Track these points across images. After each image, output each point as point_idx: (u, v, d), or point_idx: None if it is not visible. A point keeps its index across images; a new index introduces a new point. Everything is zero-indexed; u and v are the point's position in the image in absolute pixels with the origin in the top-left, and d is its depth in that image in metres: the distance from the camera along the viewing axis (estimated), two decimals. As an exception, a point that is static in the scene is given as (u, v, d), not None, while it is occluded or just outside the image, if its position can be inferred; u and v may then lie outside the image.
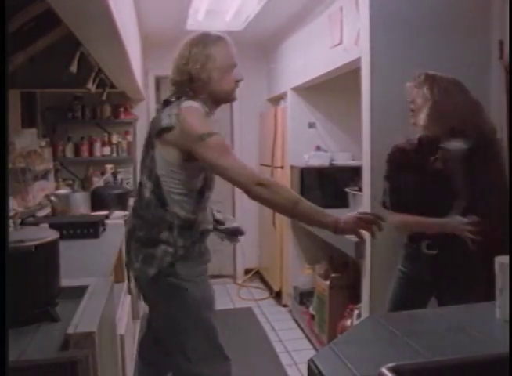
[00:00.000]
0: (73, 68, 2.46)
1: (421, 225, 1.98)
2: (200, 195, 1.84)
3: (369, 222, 1.69)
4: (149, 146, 1.82)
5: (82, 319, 1.26)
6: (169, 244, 1.78)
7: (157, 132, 1.77)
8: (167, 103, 1.86)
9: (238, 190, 5.43)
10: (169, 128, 1.73)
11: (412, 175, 1.99)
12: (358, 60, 2.52)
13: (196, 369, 1.83)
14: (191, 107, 1.76)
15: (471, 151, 1.86)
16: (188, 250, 1.81)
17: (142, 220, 1.83)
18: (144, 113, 4.83)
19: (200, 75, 1.80)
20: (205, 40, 1.84)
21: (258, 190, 1.66)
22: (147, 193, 1.80)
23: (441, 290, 2.00)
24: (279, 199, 1.68)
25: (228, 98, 1.92)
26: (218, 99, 1.89)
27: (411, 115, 1.99)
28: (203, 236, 1.90)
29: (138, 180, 1.98)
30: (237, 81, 1.90)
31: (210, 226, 1.97)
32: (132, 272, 1.95)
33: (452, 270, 1.93)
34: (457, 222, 1.87)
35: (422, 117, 1.93)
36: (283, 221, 4.18)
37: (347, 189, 3.34)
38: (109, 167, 4.45)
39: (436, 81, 1.94)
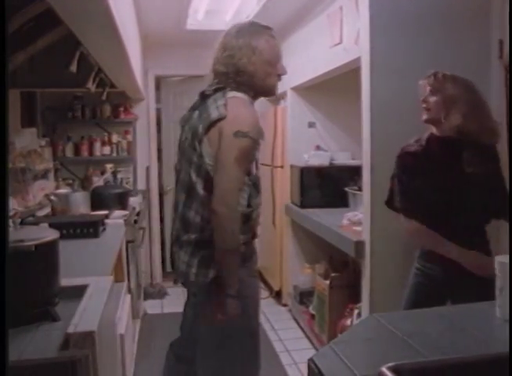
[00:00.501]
0: (73, 68, 2.46)
1: (439, 244, 1.90)
2: (254, 188, 1.76)
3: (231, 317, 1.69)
4: (195, 143, 1.73)
5: (82, 318, 1.26)
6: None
7: (207, 126, 1.68)
8: (204, 96, 1.79)
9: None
10: (220, 119, 1.66)
11: (433, 178, 1.91)
12: (358, 60, 2.51)
13: (228, 372, 1.77)
14: (237, 98, 1.71)
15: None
16: (247, 247, 1.76)
17: (192, 222, 1.75)
18: (144, 112, 4.83)
19: (247, 68, 1.73)
20: (251, 31, 1.77)
21: (224, 211, 1.62)
22: (200, 191, 1.72)
23: (454, 291, 1.91)
24: (228, 232, 1.63)
25: (269, 92, 1.85)
26: (261, 92, 1.83)
27: (425, 113, 1.94)
28: (256, 233, 1.85)
29: (175, 179, 1.90)
30: (280, 75, 1.84)
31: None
32: (184, 278, 1.81)
33: (463, 273, 1.87)
34: (478, 259, 1.85)
35: (457, 117, 1.88)
36: (283, 221, 4.19)
37: (347, 189, 3.35)
38: (109, 166, 4.45)
39: (457, 81, 1.92)
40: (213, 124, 1.67)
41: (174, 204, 1.88)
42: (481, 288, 1.76)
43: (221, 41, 1.78)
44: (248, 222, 1.75)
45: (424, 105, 1.94)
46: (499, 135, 1.94)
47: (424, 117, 1.95)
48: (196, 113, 1.79)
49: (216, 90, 1.75)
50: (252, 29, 1.77)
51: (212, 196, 1.64)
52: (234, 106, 1.68)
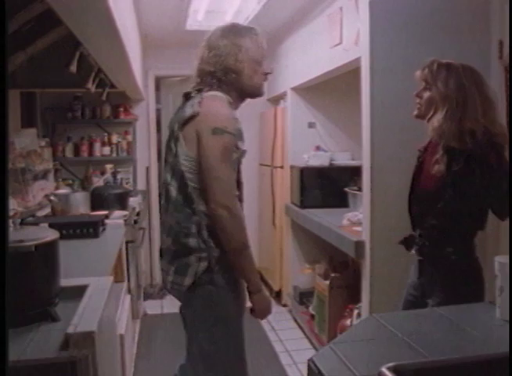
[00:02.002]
0: (73, 68, 2.46)
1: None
2: None
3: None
4: (171, 143, 1.73)
5: (82, 319, 1.26)
6: (201, 249, 1.66)
7: (181, 125, 1.68)
8: (188, 97, 1.77)
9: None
10: (193, 117, 1.65)
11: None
12: (358, 60, 2.52)
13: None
14: (214, 96, 1.69)
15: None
16: (224, 252, 1.68)
17: (169, 227, 1.73)
18: (144, 113, 4.83)
19: (235, 67, 1.72)
20: (235, 30, 1.77)
21: (222, 214, 1.61)
22: (174, 193, 1.70)
23: (429, 295, 1.85)
24: (232, 231, 1.63)
25: (256, 92, 1.83)
26: (247, 92, 1.81)
27: (416, 109, 1.86)
28: None
29: (163, 184, 1.86)
30: (266, 74, 1.83)
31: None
32: (168, 287, 1.78)
33: (435, 276, 1.83)
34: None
35: (438, 118, 1.76)
36: (283, 221, 4.19)
37: (346, 189, 3.35)
38: (108, 167, 4.45)
39: (451, 73, 1.78)
40: (187, 121, 1.66)
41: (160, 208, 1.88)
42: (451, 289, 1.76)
43: (205, 42, 1.77)
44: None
45: (417, 100, 1.86)
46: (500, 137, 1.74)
47: (415, 112, 1.88)
48: (178, 113, 1.79)
49: (199, 91, 1.73)
50: (236, 29, 1.78)
51: (207, 200, 1.62)
52: (208, 103, 1.66)
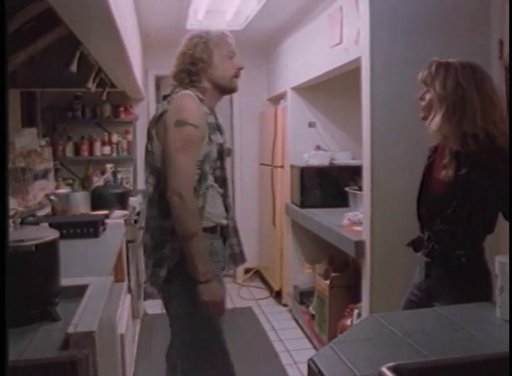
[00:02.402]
0: (74, 68, 2.46)
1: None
2: (200, 185, 1.75)
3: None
4: (147, 142, 1.83)
5: (82, 318, 1.26)
6: (174, 242, 1.73)
7: (154, 123, 1.78)
8: (165, 99, 1.85)
9: (239, 189, 5.42)
10: (162, 115, 1.75)
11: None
12: (358, 60, 2.51)
13: (197, 371, 1.80)
14: (184, 93, 1.77)
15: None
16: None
17: (148, 224, 1.84)
18: (144, 112, 4.82)
19: (201, 56, 1.81)
20: (205, 33, 1.88)
21: (175, 201, 1.66)
22: (151, 189, 1.79)
23: (436, 298, 1.82)
24: (183, 218, 1.67)
25: (229, 86, 1.90)
26: (220, 86, 1.88)
27: (421, 111, 1.81)
28: (214, 231, 1.82)
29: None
30: (239, 69, 1.90)
31: (224, 221, 1.87)
32: (148, 280, 1.89)
33: (444, 278, 1.81)
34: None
35: (436, 121, 1.71)
36: (283, 220, 4.19)
37: (347, 189, 3.35)
38: (109, 166, 4.45)
39: (449, 73, 1.72)
40: (158, 120, 1.76)
41: None
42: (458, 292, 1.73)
43: (179, 49, 1.89)
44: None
45: (422, 103, 1.82)
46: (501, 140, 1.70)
47: (420, 114, 1.83)
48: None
49: (175, 91, 1.83)
50: (205, 31, 1.89)
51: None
52: (177, 99, 1.75)
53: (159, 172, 1.77)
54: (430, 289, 1.84)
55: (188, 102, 1.74)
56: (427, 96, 1.79)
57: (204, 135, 1.75)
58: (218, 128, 1.84)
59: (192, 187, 1.71)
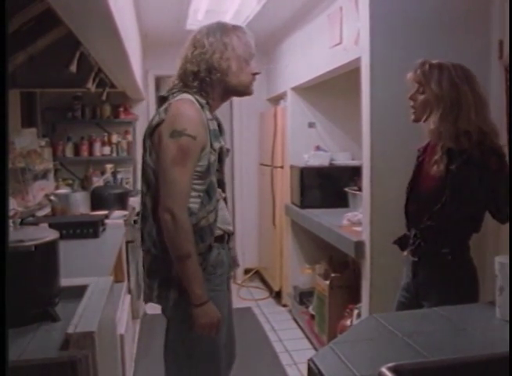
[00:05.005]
0: (73, 68, 2.46)
1: None
2: (206, 195, 1.64)
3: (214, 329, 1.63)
4: (144, 154, 1.67)
5: (82, 319, 1.26)
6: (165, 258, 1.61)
7: (149, 134, 1.63)
8: (162, 100, 1.70)
9: (238, 189, 5.42)
10: (158, 125, 1.59)
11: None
12: (358, 60, 2.51)
13: None
14: (182, 100, 1.61)
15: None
16: (204, 259, 1.63)
17: (144, 238, 1.68)
18: (144, 113, 4.82)
19: (220, 65, 1.64)
20: (222, 28, 1.69)
21: (166, 219, 1.54)
22: (148, 203, 1.64)
23: (424, 297, 1.83)
24: (174, 238, 1.55)
25: (244, 91, 1.75)
26: (234, 91, 1.74)
27: (412, 113, 1.84)
28: (222, 240, 1.72)
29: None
30: (255, 74, 1.75)
31: (231, 228, 1.77)
32: (149, 300, 1.75)
33: (431, 277, 1.82)
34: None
35: (434, 120, 1.74)
36: (283, 221, 4.19)
37: (347, 189, 3.35)
38: (109, 167, 4.45)
39: (443, 73, 1.75)
40: (153, 130, 1.61)
41: None
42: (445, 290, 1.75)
43: (190, 40, 1.70)
44: (198, 231, 1.61)
45: (412, 103, 1.83)
46: (493, 137, 1.74)
47: (412, 117, 1.85)
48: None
49: (173, 93, 1.67)
50: (222, 27, 1.71)
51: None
52: (175, 108, 1.59)
53: (154, 183, 1.62)
54: (418, 289, 1.85)
55: (187, 109, 1.59)
56: (420, 97, 1.81)
57: (205, 145, 1.60)
58: (220, 133, 1.70)
59: (186, 204, 1.57)
